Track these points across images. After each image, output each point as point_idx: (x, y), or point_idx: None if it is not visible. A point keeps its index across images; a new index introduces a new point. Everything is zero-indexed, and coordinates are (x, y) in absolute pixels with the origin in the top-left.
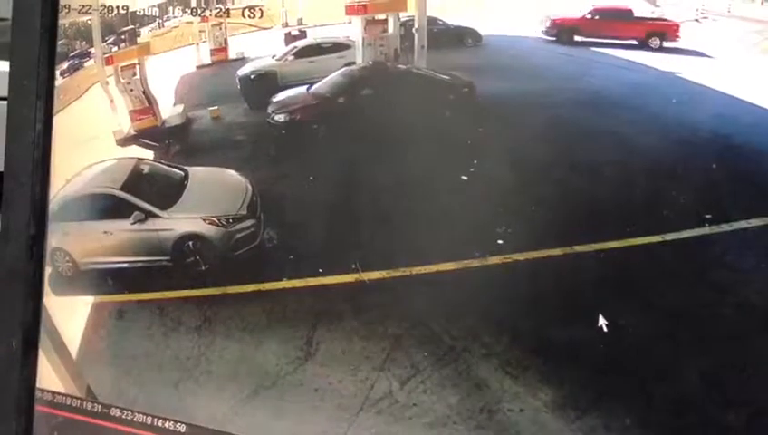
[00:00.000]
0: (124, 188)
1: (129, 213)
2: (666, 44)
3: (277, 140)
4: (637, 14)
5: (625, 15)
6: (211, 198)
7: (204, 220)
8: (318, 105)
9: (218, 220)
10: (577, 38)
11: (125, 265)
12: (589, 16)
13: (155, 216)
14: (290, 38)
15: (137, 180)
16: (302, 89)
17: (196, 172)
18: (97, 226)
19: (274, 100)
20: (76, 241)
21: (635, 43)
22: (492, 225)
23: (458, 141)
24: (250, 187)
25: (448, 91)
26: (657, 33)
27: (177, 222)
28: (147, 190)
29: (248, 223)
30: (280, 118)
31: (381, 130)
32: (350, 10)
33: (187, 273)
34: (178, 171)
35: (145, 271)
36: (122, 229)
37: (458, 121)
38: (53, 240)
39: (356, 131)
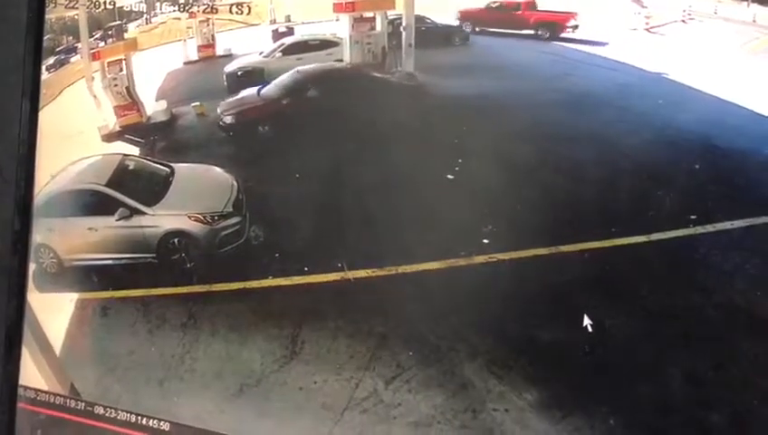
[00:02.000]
0: (109, 184)
1: (114, 209)
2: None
3: (226, 141)
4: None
5: (516, 7)
6: (197, 195)
7: (189, 217)
8: (263, 107)
9: (203, 217)
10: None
11: (109, 261)
12: (482, 8)
13: (140, 212)
14: (277, 35)
15: (122, 177)
16: (254, 90)
17: (182, 169)
18: (82, 222)
19: (225, 101)
20: (60, 237)
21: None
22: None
23: (404, 142)
24: (236, 184)
25: (395, 93)
26: (547, 25)
27: (163, 219)
28: (132, 187)
29: (234, 220)
30: (227, 119)
31: (325, 130)
32: (338, 7)
33: (173, 270)
34: (164, 168)
35: (130, 268)
36: (107, 226)
37: (403, 122)
38: (38, 236)
39: (300, 132)
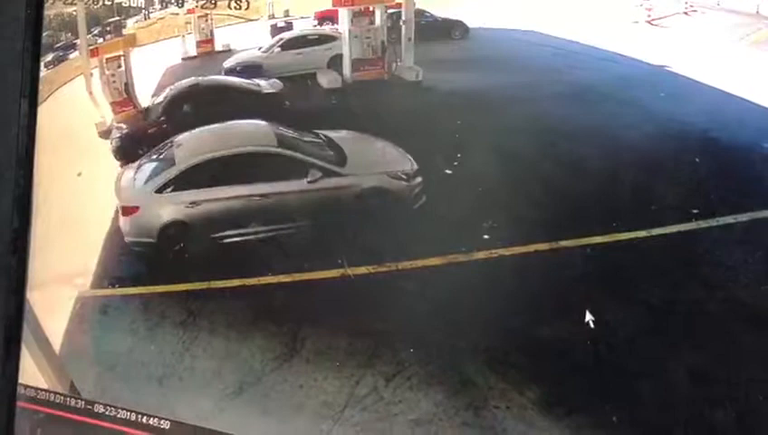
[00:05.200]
0: (282, 147)
1: (294, 172)
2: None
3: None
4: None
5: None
6: (381, 157)
7: (388, 175)
8: (143, 125)
9: (402, 175)
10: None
11: (290, 230)
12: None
13: (333, 173)
14: (276, 30)
15: (287, 141)
16: None
17: (340, 136)
18: (245, 189)
19: None
20: (213, 210)
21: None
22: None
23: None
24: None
25: (263, 103)
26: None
27: (359, 178)
28: (307, 150)
29: (419, 180)
30: (115, 135)
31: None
32: (337, 1)
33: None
34: (313, 134)
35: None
36: (293, 190)
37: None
38: (165, 214)
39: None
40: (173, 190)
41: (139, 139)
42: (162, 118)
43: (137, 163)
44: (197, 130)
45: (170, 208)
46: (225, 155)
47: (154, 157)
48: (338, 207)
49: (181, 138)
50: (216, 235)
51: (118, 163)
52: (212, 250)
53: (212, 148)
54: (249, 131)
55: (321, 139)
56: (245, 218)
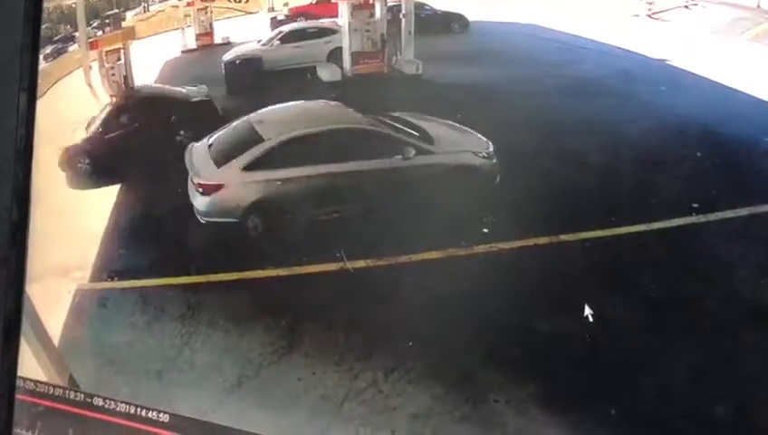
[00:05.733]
0: (372, 125)
1: (392, 150)
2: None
3: None
4: None
5: None
6: (464, 136)
7: (475, 154)
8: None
9: (486, 154)
10: None
11: (382, 207)
12: (314, 2)
13: (426, 151)
14: (276, 23)
15: (377, 121)
16: None
17: (413, 117)
18: (335, 167)
19: None
20: (306, 188)
21: None
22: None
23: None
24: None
25: (186, 109)
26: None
27: (449, 156)
28: (397, 129)
29: (496, 159)
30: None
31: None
32: None
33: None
34: (392, 116)
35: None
36: (386, 167)
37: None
38: (251, 196)
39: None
40: (263, 168)
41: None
42: (101, 129)
43: (206, 141)
44: (275, 107)
45: (260, 186)
46: (318, 131)
47: (227, 133)
48: (431, 184)
49: (259, 115)
50: (311, 213)
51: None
52: (305, 229)
53: (300, 124)
54: (333, 111)
55: (402, 120)
56: (339, 196)
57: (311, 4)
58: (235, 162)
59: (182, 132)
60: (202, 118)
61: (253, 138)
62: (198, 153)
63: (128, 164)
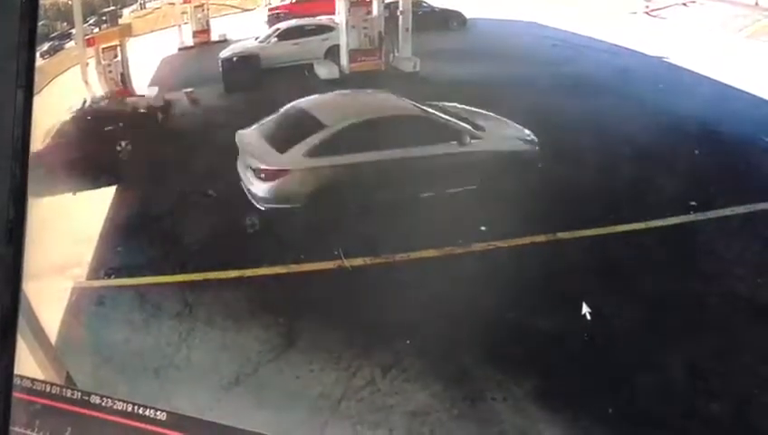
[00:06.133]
0: (432, 112)
1: (448, 136)
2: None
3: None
4: None
5: None
6: (508, 124)
7: (520, 140)
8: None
9: (532, 140)
10: None
11: (441, 193)
12: (294, 1)
13: (477, 138)
14: (273, 19)
15: (432, 108)
16: None
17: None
18: (403, 152)
19: None
20: (367, 173)
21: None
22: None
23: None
24: None
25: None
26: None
27: (499, 142)
28: (450, 113)
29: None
30: None
31: None
32: None
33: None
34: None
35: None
36: (443, 153)
37: None
38: (320, 178)
39: None
40: (326, 154)
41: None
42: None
43: (255, 127)
44: (323, 95)
45: (325, 172)
46: (380, 117)
47: (280, 120)
48: (484, 169)
49: (309, 102)
50: (372, 199)
51: None
52: (366, 214)
53: (358, 111)
54: (384, 99)
55: (447, 108)
56: (399, 181)
57: (291, 3)
58: (298, 148)
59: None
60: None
61: (311, 124)
62: (251, 139)
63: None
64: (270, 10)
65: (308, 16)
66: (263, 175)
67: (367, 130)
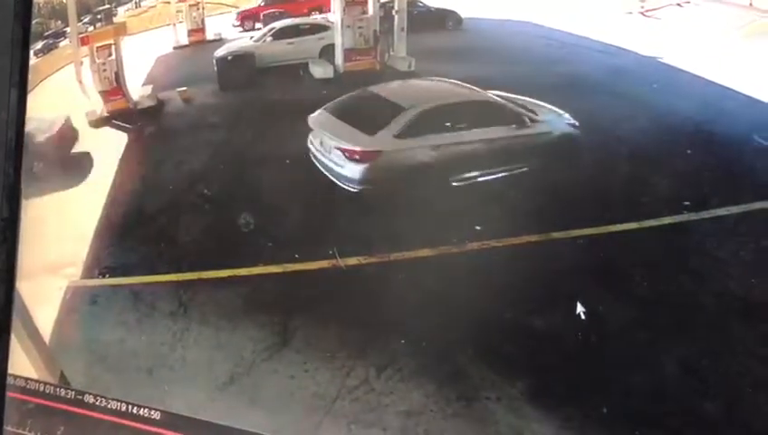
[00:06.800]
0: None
1: (512, 120)
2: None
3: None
4: None
5: None
6: (554, 110)
7: (569, 124)
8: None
9: (577, 125)
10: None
11: (489, 177)
12: (262, 3)
13: (535, 121)
14: (268, 18)
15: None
16: None
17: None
18: (477, 134)
19: None
20: (448, 154)
21: None
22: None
23: None
24: None
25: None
26: (316, 8)
27: (553, 124)
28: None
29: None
30: None
31: None
32: None
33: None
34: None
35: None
36: (510, 135)
37: None
38: (411, 157)
39: None
40: (411, 135)
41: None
42: None
43: (323, 112)
44: (391, 83)
45: (413, 153)
46: (456, 102)
47: (353, 104)
48: (546, 150)
49: (381, 88)
50: (454, 177)
51: None
52: (450, 193)
53: (433, 96)
54: (447, 85)
55: (501, 95)
56: (475, 162)
57: (259, 6)
58: (387, 130)
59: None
60: None
61: (392, 108)
62: (329, 122)
63: None
64: (240, 14)
65: (277, 20)
66: (357, 156)
67: (443, 113)
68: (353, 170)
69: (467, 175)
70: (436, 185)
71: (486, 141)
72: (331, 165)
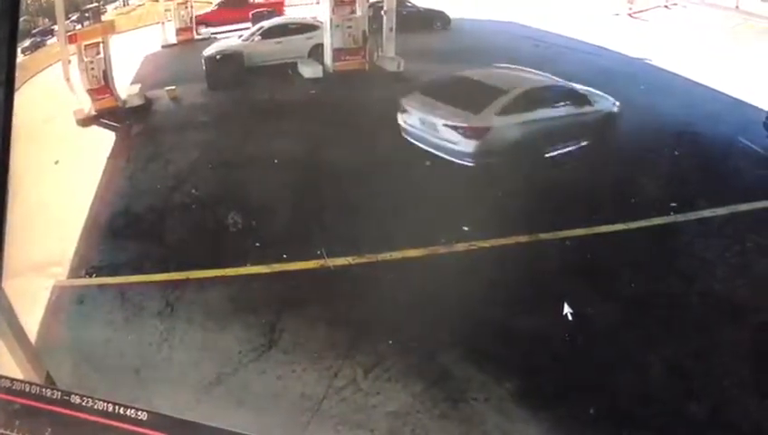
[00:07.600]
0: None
1: (579, 101)
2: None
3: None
4: None
5: (238, 2)
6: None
7: (615, 105)
8: None
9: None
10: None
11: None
12: (215, 8)
13: (589, 103)
14: (257, 17)
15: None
16: None
17: None
18: (558, 112)
19: None
20: (537, 130)
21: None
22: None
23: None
24: None
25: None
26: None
27: (605, 105)
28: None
29: None
30: None
31: None
32: None
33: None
34: None
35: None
36: (580, 113)
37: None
38: (513, 133)
39: None
40: (510, 113)
41: None
42: None
43: (420, 96)
44: (474, 70)
45: (516, 129)
46: (543, 85)
47: (448, 88)
48: (600, 126)
49: (473, 73)
50: (543, 151)
51: None
52: (544, 165)
53: (522, 81)
54: (522, 72)
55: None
56: (557, 137)
57: (211, 11)
58: (490, 108)
59: None
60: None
61: (492, 90)
62: (431, 103)
63: None
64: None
65: (227, 23)
66: (470, 132)
67: (534, 95)
68: (465, 145)
69: (553, 148)
70: (535, 156)
71: (566, 118)
72: (441, 142)
